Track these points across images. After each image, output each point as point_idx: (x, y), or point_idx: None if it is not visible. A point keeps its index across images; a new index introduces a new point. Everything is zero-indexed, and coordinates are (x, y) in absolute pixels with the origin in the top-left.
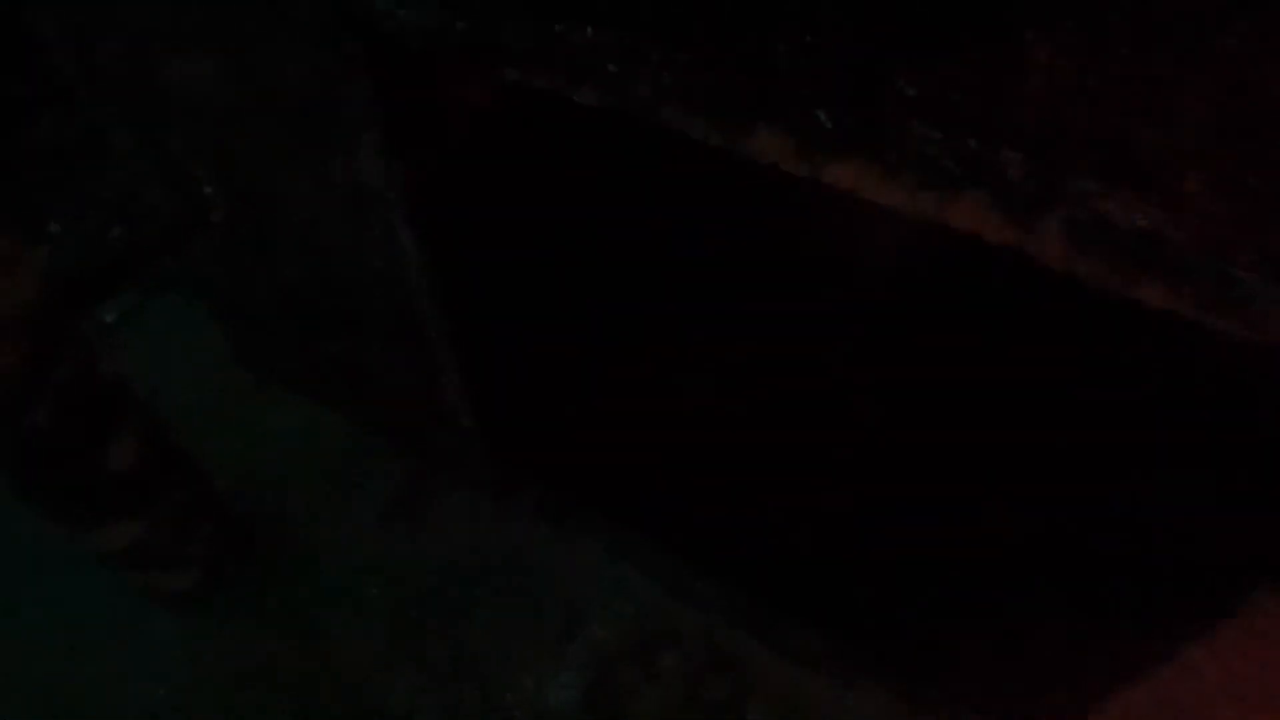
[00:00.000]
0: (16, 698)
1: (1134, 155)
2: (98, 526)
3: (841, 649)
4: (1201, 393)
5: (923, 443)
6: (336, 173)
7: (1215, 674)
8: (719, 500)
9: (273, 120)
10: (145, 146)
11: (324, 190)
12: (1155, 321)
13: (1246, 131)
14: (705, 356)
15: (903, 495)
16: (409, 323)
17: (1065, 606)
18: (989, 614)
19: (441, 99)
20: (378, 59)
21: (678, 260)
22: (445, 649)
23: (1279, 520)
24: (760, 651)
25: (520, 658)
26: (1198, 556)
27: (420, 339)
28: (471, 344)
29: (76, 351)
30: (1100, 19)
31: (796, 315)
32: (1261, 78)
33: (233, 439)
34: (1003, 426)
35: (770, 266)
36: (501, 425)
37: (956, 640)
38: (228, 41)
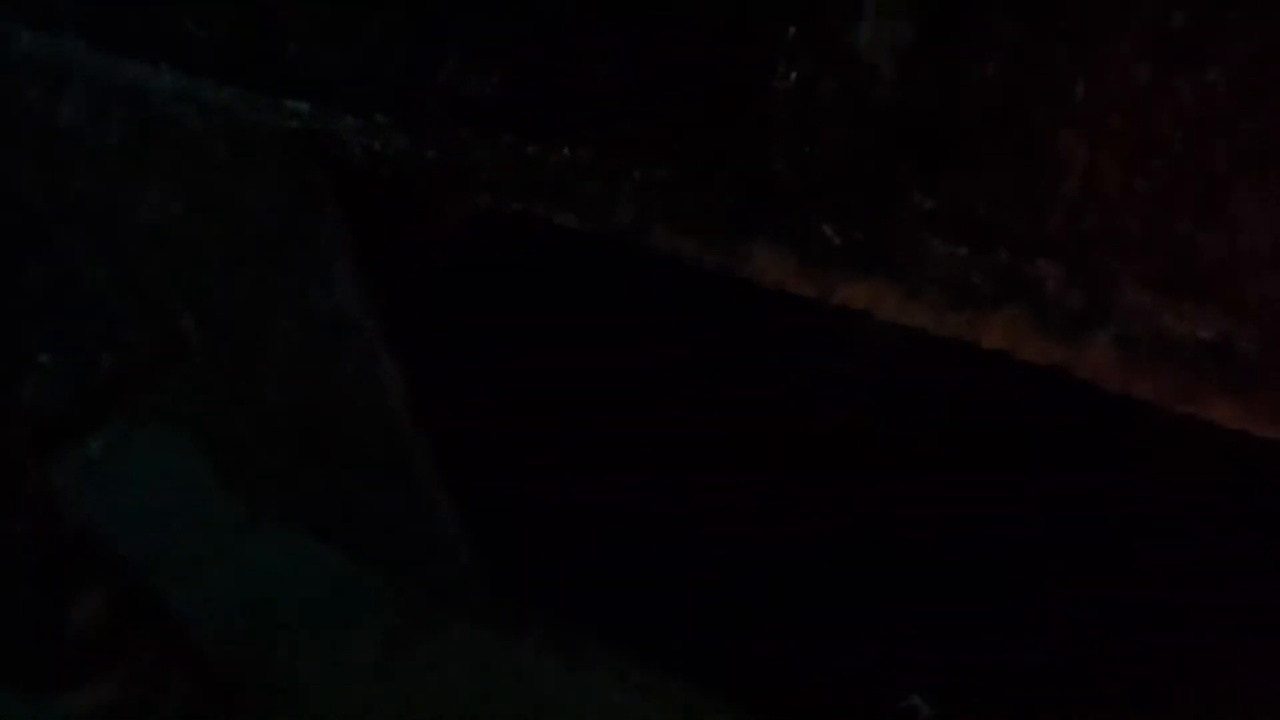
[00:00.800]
0: None
1: (1192, 261)
2: (62, 691)
3: None
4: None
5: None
6: (313, 303)
7: None
8: (739, 626)
9: (245, 252)
10: (120, 279)
11: (301, 321)
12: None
13: None
14: (716, 477)
15: (926, 613)
16: (396, 454)
17: None
18: None
19: (417, 223)
20: (347, 188)
21: (680, 377)
22: None
23: None
24: None
25: None
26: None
27: (409, 471)
28: (465, 474)
29: (34, 504)
30: (1149, 113)
31: (804, 431)
32: None
33: (219, 575)
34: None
35: (777, 379)
36: (503, 556)
37: None
38: (195, 176)
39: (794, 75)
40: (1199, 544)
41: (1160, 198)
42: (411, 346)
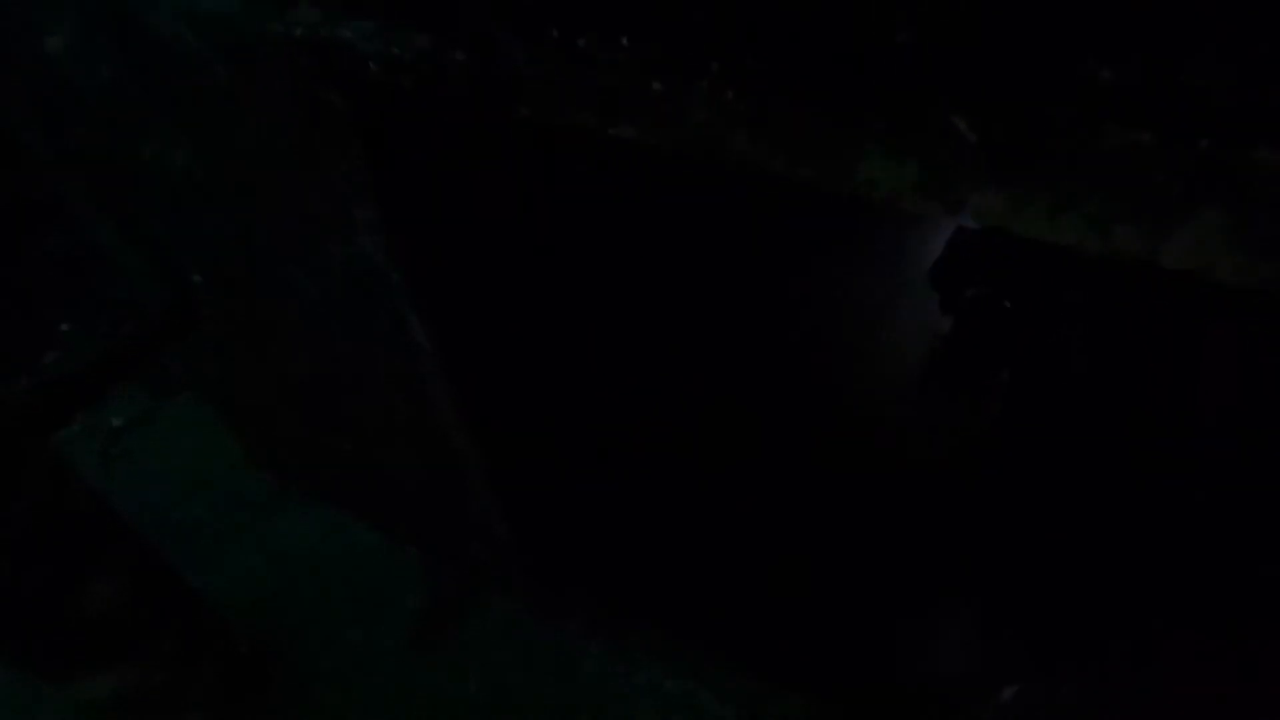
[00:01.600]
0: None
1: None
2: (76, 677)
3: None
4: None
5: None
6: (332, 255)
7: None
8: (796, 607)
9: (256, 199)
10: (127, 236)
11: (320, 276)
12: None
13: None
14: (774, 455)
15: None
16: (427, 422)
17: None
18: None
19: (448, 156)
20: (365, 113)
21: (741, 344)
22: None
23: None
24: None
25: None
26: None
27: (441, 440)
28: (502, 444)
29: (38, 482)
30: None
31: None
32: None
33: (246, 553)
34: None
35: (841, 372)
36: (543, 533)
37: None
38: (195, 111)
39: None
40: None
41: None
42: (444, 302)
